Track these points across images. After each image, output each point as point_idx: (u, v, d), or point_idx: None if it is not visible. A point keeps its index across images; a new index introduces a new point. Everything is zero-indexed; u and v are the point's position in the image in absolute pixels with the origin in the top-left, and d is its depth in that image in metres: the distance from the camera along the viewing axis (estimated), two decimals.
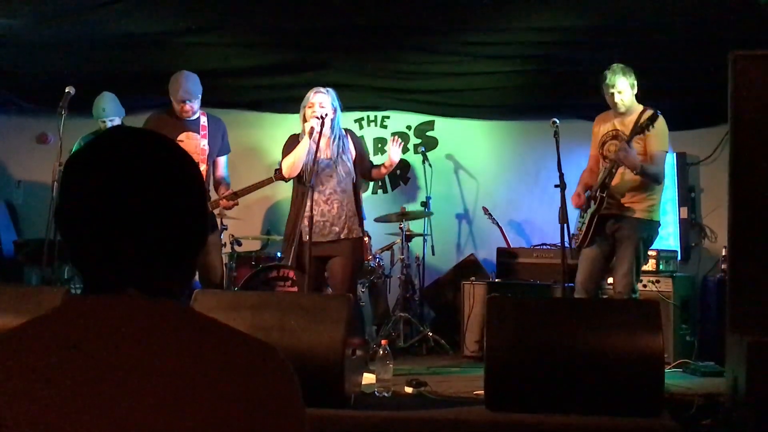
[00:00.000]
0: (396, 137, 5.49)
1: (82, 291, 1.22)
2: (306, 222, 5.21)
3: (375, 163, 5.92)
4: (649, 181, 5.34)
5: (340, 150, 5.43)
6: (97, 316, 1.16)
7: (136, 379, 1.10)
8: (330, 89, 5.52)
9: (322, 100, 5.39)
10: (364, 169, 5.69)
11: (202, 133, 5.78)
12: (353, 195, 5.51)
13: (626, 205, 5.35)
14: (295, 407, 1.19)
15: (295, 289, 6.16)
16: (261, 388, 1.15)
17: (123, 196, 1.19)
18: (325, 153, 5.40)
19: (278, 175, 5.98)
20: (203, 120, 5.82)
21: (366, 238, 6.62)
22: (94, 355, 1.11)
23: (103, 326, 1.14)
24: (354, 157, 5.55)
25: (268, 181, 6.01)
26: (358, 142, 5.72)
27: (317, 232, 5.29)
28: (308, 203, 5.23)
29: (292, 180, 5.58)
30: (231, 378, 1.13)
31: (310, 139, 5.32)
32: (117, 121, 6.51)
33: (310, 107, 5.39)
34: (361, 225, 5.55)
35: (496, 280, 6.81)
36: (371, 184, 7.79)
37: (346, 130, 5.65)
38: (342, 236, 5.39)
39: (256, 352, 1.19)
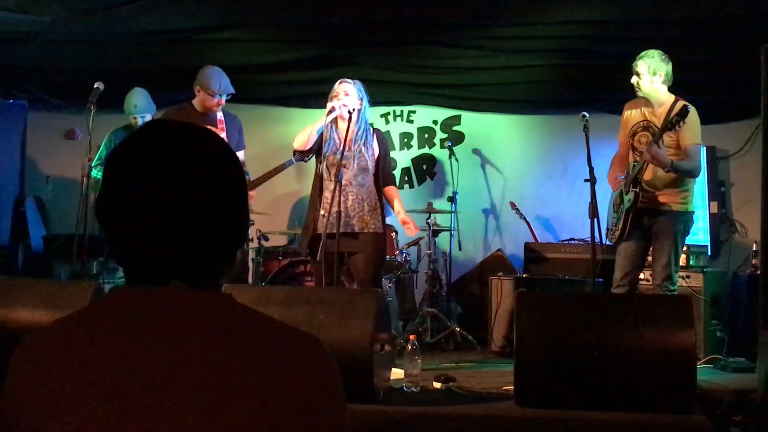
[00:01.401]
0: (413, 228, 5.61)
1: (125, 283, 1.22)
2: (321, 213, 5.22)
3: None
4: (684, 176, 5.28)
5: (360, 143, 5.37)
6: (143, 307, 1.16)
7: (181, 369, 1.10)
8: (357, 81, 5.48)
9: (346, 89, 5.37)
10: (383, 175, 5.55)
11: (219, 126, 5.79)
12: (373, 190, 5.43)
13: (661, 199, 5.27)
14: (338, 397, 1.19)
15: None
16: (305, 378, 1.15)
17: (166, 188, 1.19)
18: (343, 144, 5.35)
19: (298, 157, 5.99)
20: (219, 115, 5.83)
21: (393, 234, 6.62)
22: (139, 345, 1.11)
23: (148, 317, 1.14)
24: (377, 155, 5.48)
25: (288, 164, 6.02)
26: (383, 143, 5.59)
27: (332, 223, 5.22)
28: (328, 195, 5.23)
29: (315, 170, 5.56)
30: (275, 368, 1.14)
31: (327, 117, 5.30)
32: (148, 117, 6.51)
33: (335, 96, 5.37)
34: (382, 221, 5.46)
35: (524, 275, 6.77)
36: (398, 178, 7.75)
37: (374, 128, 5.61)
38: (358, 230, 5.32)
39: (300, 342, 1.19)
